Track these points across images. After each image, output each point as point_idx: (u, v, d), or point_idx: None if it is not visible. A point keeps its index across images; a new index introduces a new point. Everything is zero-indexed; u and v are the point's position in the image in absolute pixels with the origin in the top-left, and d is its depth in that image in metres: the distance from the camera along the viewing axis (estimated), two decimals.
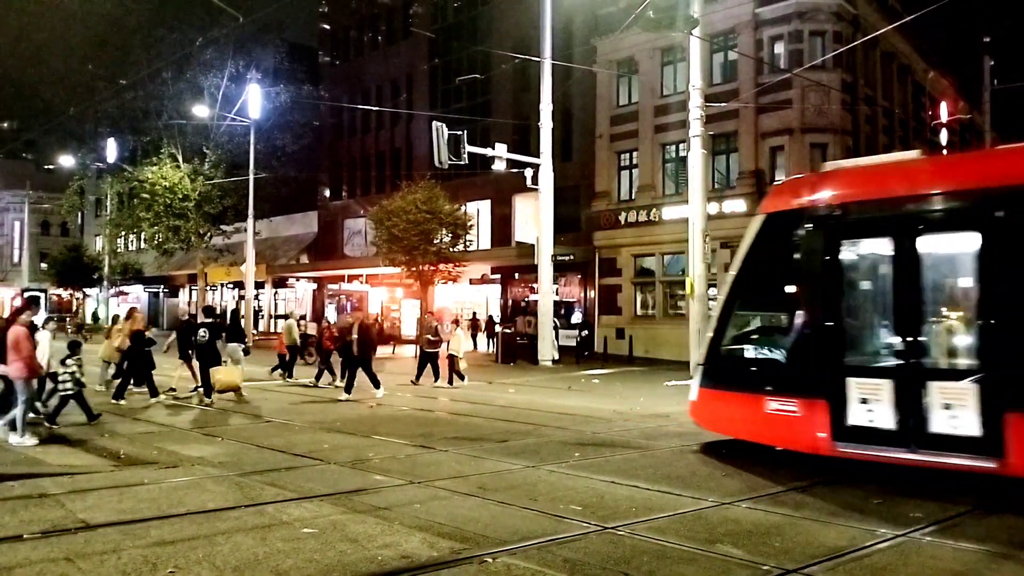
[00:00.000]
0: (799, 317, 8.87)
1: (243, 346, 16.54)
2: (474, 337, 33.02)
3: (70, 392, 11.55)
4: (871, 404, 8.09)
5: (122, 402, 14.06)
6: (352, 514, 6.63)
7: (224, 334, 16.15)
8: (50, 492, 7.25)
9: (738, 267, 9.76)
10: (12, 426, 10.03)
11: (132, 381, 14.79)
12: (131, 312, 15.94)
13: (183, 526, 6.17)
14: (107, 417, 12.24)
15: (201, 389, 14.65)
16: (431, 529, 6.15)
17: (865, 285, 9.07)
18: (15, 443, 9.76)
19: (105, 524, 6.18)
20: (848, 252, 8.84)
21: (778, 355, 9.20)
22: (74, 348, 11.87)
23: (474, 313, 35.34)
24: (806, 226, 8.89)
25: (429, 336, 18.04)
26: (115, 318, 16.09)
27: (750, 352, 9.74)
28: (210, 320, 15.35)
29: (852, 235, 8.79)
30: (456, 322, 20.02)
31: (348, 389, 15.59)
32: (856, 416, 8.16)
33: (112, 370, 15.57)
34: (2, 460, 8.85)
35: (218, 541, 5.79)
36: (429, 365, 18.12)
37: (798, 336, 8.84)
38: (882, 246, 8.61)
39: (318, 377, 18.10)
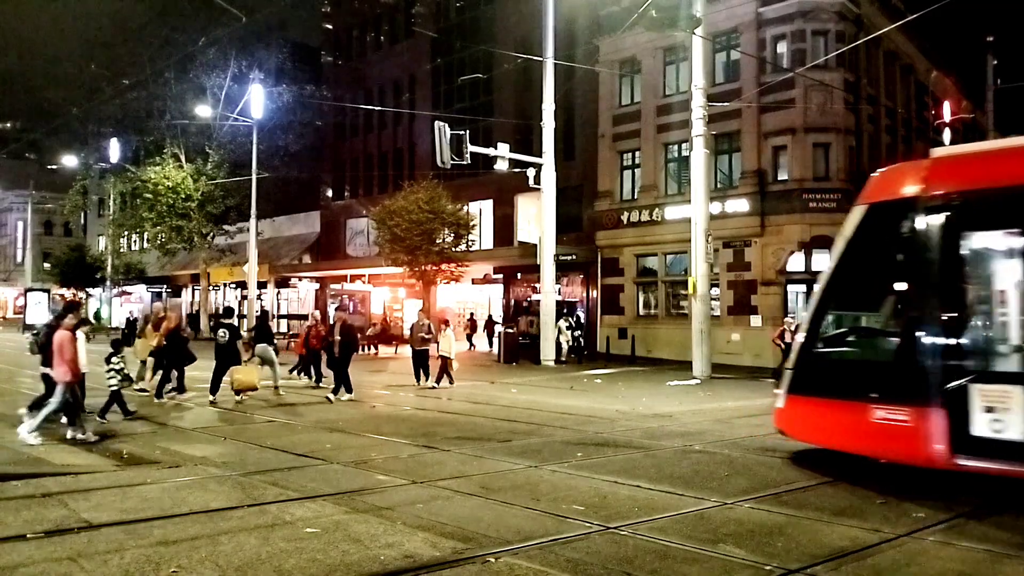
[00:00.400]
0: (911, 316, 8.04)
1: (273, 347, 16.46)
2: (470, 337, 33.00)
3: (116, 387, 11.93)
4: (998, 413, 7.28)
5: (185, 396, 14.63)
6: (355, 514, 6.64)
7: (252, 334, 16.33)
8: (53, 492, 7.26)
9: (835, 263, 8.92)
10: (45, 419, 10.18)
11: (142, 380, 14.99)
12: (164, 310, 16.09)
13: (186, 526, 6.18)
14: (115, 417, 12.28)
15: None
16: (434, 529, 6.16)
17: (992, 281, 8.19)
18: (25, 435, 9.90)
19: (108, 524, 6.19)
20: (971, 245, 8.01)
21: (886, 358, 8.39)
22: (117, 346, 12.33)
23: (471, 313, 35.33)
24: (920, 217, 8.04)
25: (422, 335, 17.98)
26: (146, 318, 16.24)
27: (851, 355, 9.02)
28: (229, 321, 15.45)
29: (976, 226, 7.97)
30: (446, 322, 19.78)
31: (348, 389, 15.51)
32: (980, 426, 7.35)
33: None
34: (5, 459, 8.86)
35: (221, 541, 5.79)
36: (421, 364, 18.01)
37: (910, 337, 7.97)
38: (1013, 238, 7.85)
39: (318, 379, 18.07)
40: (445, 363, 17.89)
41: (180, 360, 15.13)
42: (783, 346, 20.14)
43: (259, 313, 18.11)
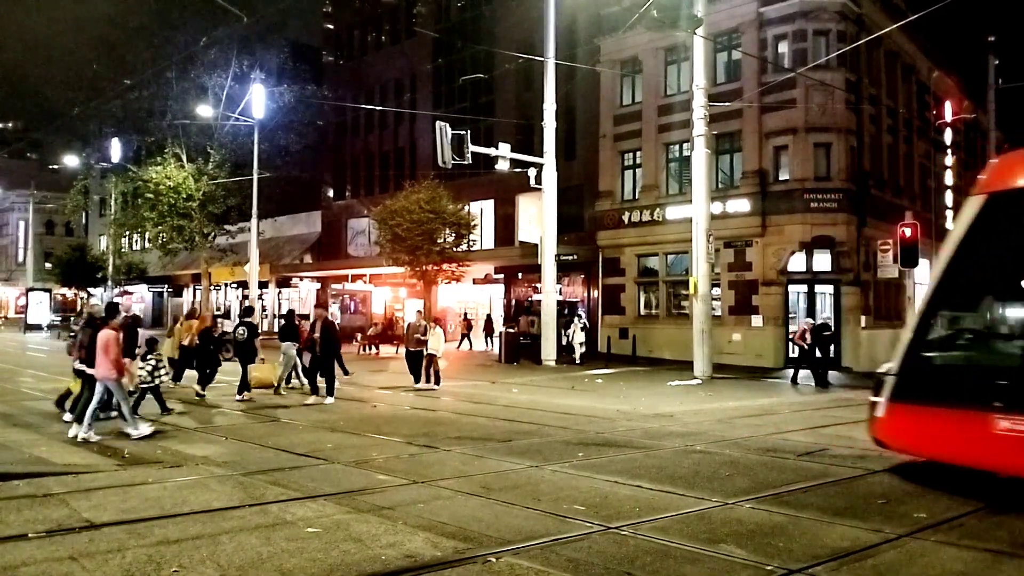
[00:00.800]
0: None
1: (296, 345, 16.43)
2: (466, 337, 32.95)
3: (148, 385, 12.20)
4: None
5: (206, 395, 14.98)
6: (356, 513, 6.64)
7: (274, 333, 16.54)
8: (54, 491, 7.26)
9: (948, 258, 8.16)
10: (122, 417, 10.66)
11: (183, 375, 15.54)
12: (194, 310, 16.45)
13: (187, 525, 6.19)
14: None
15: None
16: (435, 529, 6.16)
17: None
18: (135, 435, 10.39)
19: (109, 523, 6.20)
20: None
21: (1011, 363, 7.66)
22: (152, 345, 12.63)
23: (465, 313, 35.26)
24: None
25: (417, 336, 17.78)
26: (176, 318, 16.61)
27: (970, 359, 8.26)
28: (249, 319, 15.74)
29: None
30: (436, 320, 19.29)
31: (314, 390, 15.02)
32: None
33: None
34: (7, 459, 8.88)
35: (222, 540, 5.80)
36: (419, 364, 17.74)
37: None
38: None
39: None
40: (432, 361, 17.52)
41: (207, 361, 15.42)
42: (805, 346, 19.98)
43: (287, 312, 18.36)
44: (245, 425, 12.06)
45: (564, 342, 26.46)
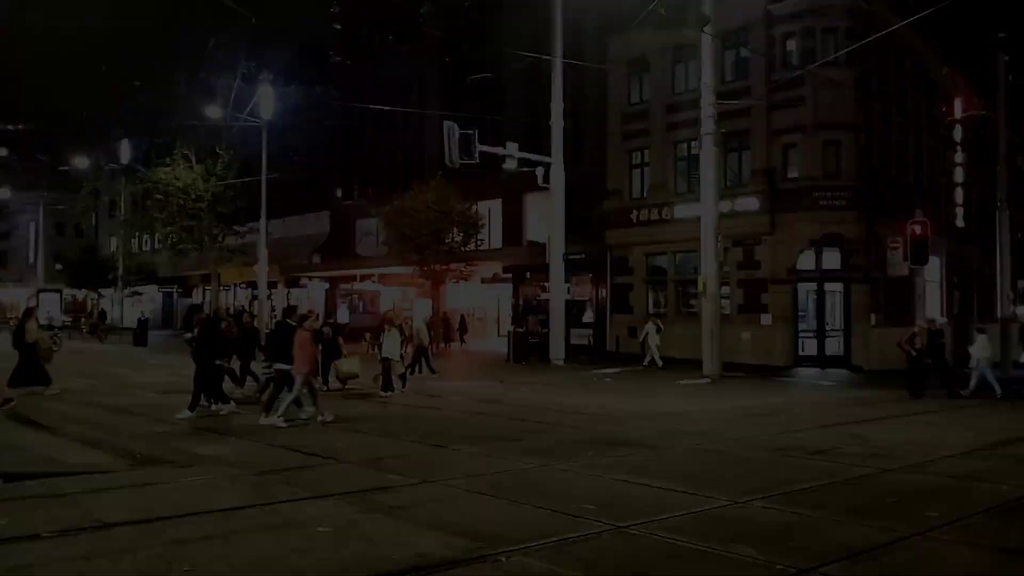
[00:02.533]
0: None
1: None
2: (448, 339, 32.83)
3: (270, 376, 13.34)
4: None
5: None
6: (366, 513, 6.65)
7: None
8: (67, 491, 7.29)
9: None
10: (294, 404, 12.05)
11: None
12: (310, 312, 17.16)
13: (199, 525, 6.21)
14: (121, 417, 12.32)
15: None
16: (445, 528, 6.16)
17: None
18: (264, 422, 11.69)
19: (121, 523, 6.22)
20: None
21: None
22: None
23: (444, 314, 35.13)
24: None
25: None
26: (302, 316, 17.42)
27: None
28: (333, 320, 16.90)
29: None
30: (390, 321, 17.42)
31: (192, 405, 12.61)
32: None
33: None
34: (21, 459, 8.93)
35: (234, 540, 5.82)
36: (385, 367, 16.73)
37: None
38: None
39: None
40: (388, 366, 16.04)
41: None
42: (912, 352, 17.28)
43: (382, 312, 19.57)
44: (255, 425, 12.06)
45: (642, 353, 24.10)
